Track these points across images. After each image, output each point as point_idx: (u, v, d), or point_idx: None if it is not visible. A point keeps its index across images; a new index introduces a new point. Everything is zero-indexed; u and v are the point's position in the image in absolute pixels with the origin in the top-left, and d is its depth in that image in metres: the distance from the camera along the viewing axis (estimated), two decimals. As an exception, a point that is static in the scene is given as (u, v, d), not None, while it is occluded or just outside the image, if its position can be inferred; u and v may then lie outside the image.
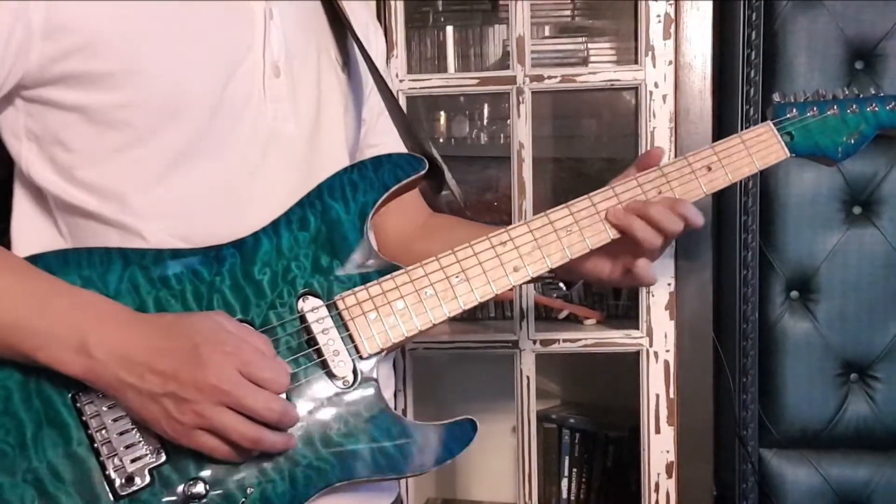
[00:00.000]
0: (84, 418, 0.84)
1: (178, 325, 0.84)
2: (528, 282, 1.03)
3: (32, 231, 0.94)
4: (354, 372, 0.92)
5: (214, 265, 0.91)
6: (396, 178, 0.99)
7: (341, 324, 0.93)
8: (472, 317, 1.86)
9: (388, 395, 0.98)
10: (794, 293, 1.70)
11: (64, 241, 0.93)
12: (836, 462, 1.71)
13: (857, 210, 1.69)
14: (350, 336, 0.93)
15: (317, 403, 0.90)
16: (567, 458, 1.91)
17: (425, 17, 1.99)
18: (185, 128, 0.91)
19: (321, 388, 0.91)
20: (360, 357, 0.93)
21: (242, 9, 0.95)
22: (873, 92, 1.17)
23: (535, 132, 1.65)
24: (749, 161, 1.08)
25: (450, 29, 1.97)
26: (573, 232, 1.00)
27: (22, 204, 0.95)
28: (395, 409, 1.67)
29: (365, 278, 0.95)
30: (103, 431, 0.84)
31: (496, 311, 1.88)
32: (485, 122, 2.03)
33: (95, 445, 0.83)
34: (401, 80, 1.64)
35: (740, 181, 1.62)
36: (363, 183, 0.98)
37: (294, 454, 0.88)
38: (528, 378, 1.67)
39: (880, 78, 1.65)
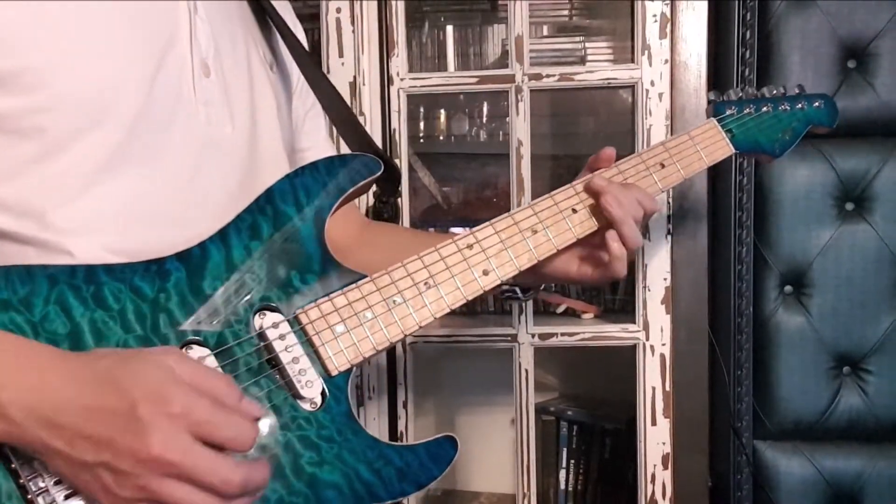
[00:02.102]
0: (13, 466, 0.71)
1: (114, 377, 0.69)
2: (497, 286, 0.99)
3: None
4: (323, 393, 0.84)
5: (157, 281, 0.80)
6: (352, 181, 0.91)
7: (305, 340, 0.84)
8: (471, 311, 1.88)
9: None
10: (788, 288, 1.73)
11: None
12: (829, 453, 1.73)
13: (849, 206, 1.71)
14: (316, 353, 0.84)
15: (284, 430, 0.81)
16: (565, 449, 1.92)
17: (426, 16, 2.01)
18: (109, 133, 0.80)
19: (287, 412, 0.82)
20: (329, 375, 0.84)
21: (164, 2, 0.86)
22: (797, 91, 1.21)
23: (534, 130, 1.66)
24: (698, 157, 1.10)
25: (450, 28, 1.99)
26: (538, 231, 0.97)
27: None
28: (396, 403, 1.70)
29: (327, 289, 0.86)
30: (38, 480, 0.71)
31: (495, 305, 1.89)
32: (484, 119, 2.05)
33: (29, 497, 0.71)
34: (401, 79, 1.66)
35: (735, 179, 1.68)
36: (317, 186, 0.89)
37: (265, 490, 0.77)
38: (526, 371, 1.69)
39: (872, 77, 1.67)
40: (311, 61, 1.03)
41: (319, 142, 1.09)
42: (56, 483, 0.71)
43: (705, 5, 1.60)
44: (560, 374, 2.10)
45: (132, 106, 0.81)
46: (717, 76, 1.69)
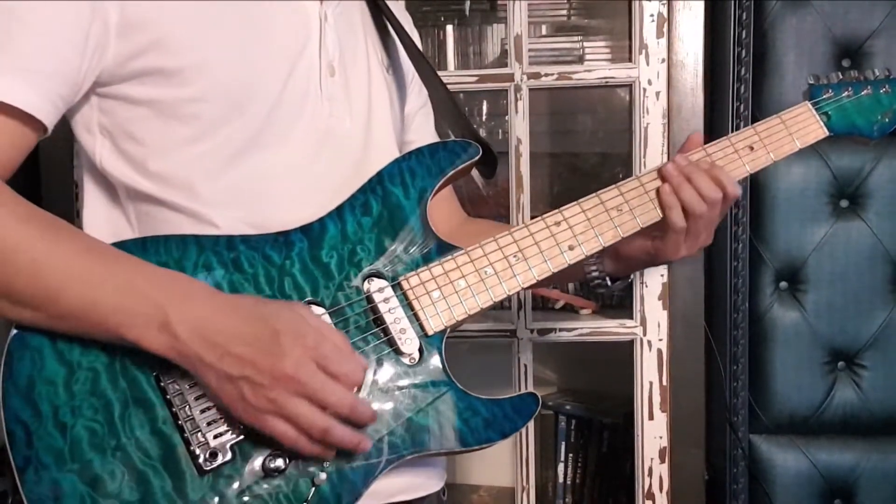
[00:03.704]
0: (168, 397, 0.86)
1: (259, 311, 0.84)
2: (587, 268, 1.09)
3: (103, 221, 0.97)
4: (420, 349, 0.94)
5: (284, 250, 0.94)
6: (452, 164, 1.02)
7: (406, 303, 0.95)
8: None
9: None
10: (784, 284, 1.75)
11: (132, 230, 0.96)
12: (824, 447, 1.75)
13: (844, 203, 1.73)
14: (415, 314, 0.95)
15: (386, 380, 0.92)
16: (563, 443, 1.93)
17: (426, 16, 2.02)
18: (248, 121, 0.94)
19: (389, 365, 0.93)
20: (426, 335, 0.95)
21: (300, 10, 0.99)
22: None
23: (533, 128, 1.67)
24: (790, 140, 1.10)
25: (450, 28, 2.00)
26: (624, 211, 1.03)
27: (92, 196, 0.98)
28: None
29: (427, 259, 0.97)
30: (186, 409, 0.86)
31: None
32: (484, 118, 2.06)
33: (179, 423, 0.85)
34: (402, 78, 1.68)
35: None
36: (421, 169, 1.01)
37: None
38: (525, 366, 1.71)
39: (867, 75, 1.69)
40: (425, 60, 1.14)
41: (426, 135, 1.18)
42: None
43: (702, 5, 1.62)
44: (558, 368, 2.11)
45: (269, 99, 0.95)
46: (714, 75, 1.71)
